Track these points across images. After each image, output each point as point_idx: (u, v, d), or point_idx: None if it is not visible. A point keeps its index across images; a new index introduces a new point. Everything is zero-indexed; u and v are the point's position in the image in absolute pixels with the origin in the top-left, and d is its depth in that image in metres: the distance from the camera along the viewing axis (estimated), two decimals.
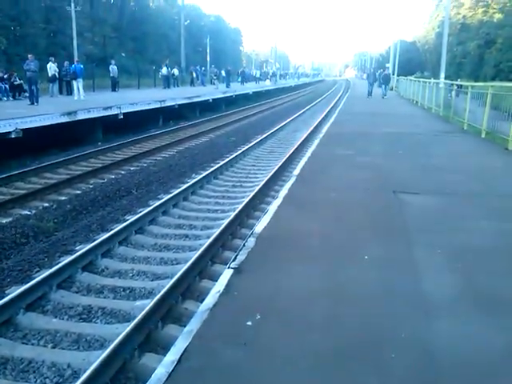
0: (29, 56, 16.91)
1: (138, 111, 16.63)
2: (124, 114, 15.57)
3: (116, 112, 15.23)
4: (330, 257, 4.01)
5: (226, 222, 6.14)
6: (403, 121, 15.31)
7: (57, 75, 20.16)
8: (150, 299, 4.32)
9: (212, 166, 10.20)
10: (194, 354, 2.62)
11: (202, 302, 3.36)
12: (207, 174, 9.22)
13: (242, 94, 30.88)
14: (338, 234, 4.56)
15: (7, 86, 18.94)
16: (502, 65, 50.16)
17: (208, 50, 62.46)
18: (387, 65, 45.86)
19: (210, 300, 3.24)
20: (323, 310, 3.11)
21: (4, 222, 6.75)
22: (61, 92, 21.35)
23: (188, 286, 4.63)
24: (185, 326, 3.06)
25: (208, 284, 4.64)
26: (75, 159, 11.21)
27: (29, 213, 7.21)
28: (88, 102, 16.42)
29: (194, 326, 2.91)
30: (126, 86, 30.83)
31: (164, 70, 29.99)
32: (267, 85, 44.16)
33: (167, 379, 2.41)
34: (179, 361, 2.54)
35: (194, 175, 9.68)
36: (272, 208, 5.41)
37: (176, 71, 32.55)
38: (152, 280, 5.01)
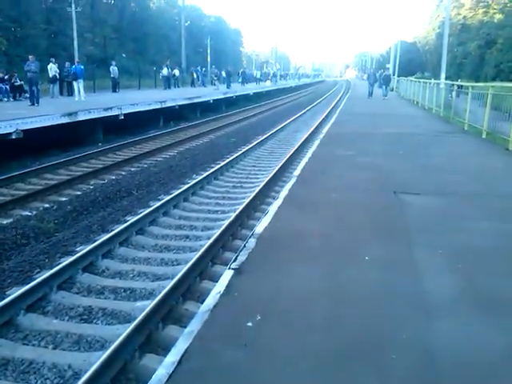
0: (29, 57, 16.94)
1: (138, 112, 16.65)
2: (125, 114, 15.59)
3: (117, 113, 15.25)
4: (330, 257, 4.01)
5: (226, 222, 6.14)
6: (404, 121, 15.31)
7: (57, 76, 20.18)
8: (150, 300, 4.32)
9: (212, 167, 10.21)
10: (194, 354, 2.62)
11: (202, 303, 3.36)
12: (208, 175, 9.22)
13: (243, 95, 30.89)
14: (339, 235, 4.56)
15: (8, 87, 18.95)
16: (502, 65, 50.14)
17: (208, 51, 62.50)
18: (388, 65, 45.92)
19: (210, 301, 3.24)
20: (324, 311, 3.11)
21: (5, 222, 6.75)
22: (61, 93, 21.37)
23: (188, 287, 4.63)
24: (185, 327, 3.06)
25: (208, 285, 4.64)
26: (76, 160, 11.22)
27: (29, 214, 7.22)
28: (89, 103, 16.45)
29: (194, 326, 2.91)
30: (127, 86, 30.85)
31: (165, 71, 30.00)
32: (268, 85, 44.16)
33: (168, 380, 2.41)
34: (180, 362, 2.54)
35: (194, 176, 9.68)
36: (272, 209, 5.41)
37: (177, 72, 32.58)
38: (153, 281, 5.01)
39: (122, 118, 15.48)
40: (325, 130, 12.82)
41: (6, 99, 18.55)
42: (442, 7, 57.05)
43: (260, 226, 4.75)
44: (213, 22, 79.40)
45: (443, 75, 23.53)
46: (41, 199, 8.01)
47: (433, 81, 22.64)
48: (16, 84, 19.57)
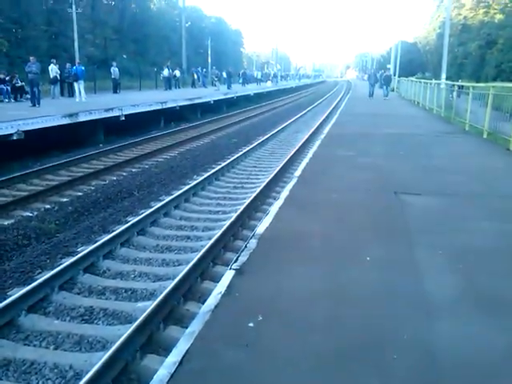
0: (30, 58, 16.97)
1: (139, 113, 16.66)
2: (125, 115, 15.60)
3: (117, 114, 15.26)
4: (331, 258, 4.01)
5: (227, 223, 6.14)
6: (404, 122, 15.30)
7: (58, 77, 20.21)
8: (151, 300, 4.33)
9: (213, 168, 10.22)
10: (195, 355, 2.62)
11: (203, 304, 3.36)
12: (208, 176, 9.23)
13: (244, 96, 30.91)
14: (340, 235, 4.56)
15: (9, 88, 18.96)
16: (503, 65, 50.08)
17: (209, 52, 62.50)
18: (388, 66, 45.95)
19: (211, 301, 3.25)
20: (325, 311, 3.11)
21: (6, 223, 6.76)
22: (62, 94, 21.40)
23: (190, 288, 4.64)
24: (186, 328, 3.07)
25: (210, 285, 4.64)
26: (77, 161, 11.23)
27: (31, 214, 7.23)
28: (89, 104, 16.46)
29: (195, 327, 2.92)
30: (128, 87, 30.85)
31: (165, 72, 30.01)
32: (268, 86, 44.16)
33: (169, 380, 2.41)
34: (181, 362, 2.55)
35: (195, 176, 9.69)
36: (273, 209, 5.41)
37: (178, 73, 32.59)
38: (154, 281, 5.02)
39: (123, 118, 15.50)
40: (326, 130, 12.81)
41: (7, 100, 18.56)
42: (442, 7, 57.06)
43: (261, 227, 4.75)
44: (213, 22, 79.43)
45: (444, 75, 23.52)
46: (42, 200, 8.02)
47: (433, 81, 22.63)
48: (17, 85, 19.59)
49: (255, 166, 11.04)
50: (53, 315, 4.32)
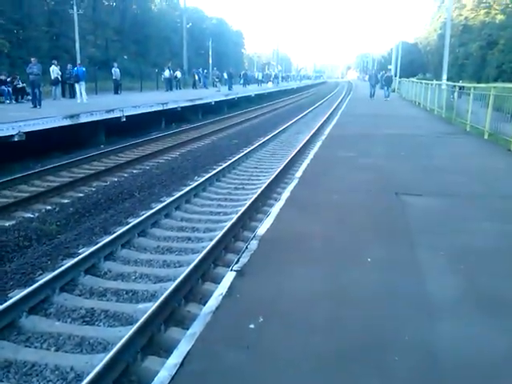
0: (32, 59, 17.00)
1: (140, 114, 16.67)
2: (127, 116, 15.62)
3: (119, 115, 15.27)
4: (332, 259, 4.01)
5: (228, 224, 6.14)
6: (405, 122, 15.30)
7: (59, 78, 20.24)
8: (152, 302, 4.32)
9: (214, 169, 10.22)
10: (196, 357, 2.62)
11: (204, 305, 3.36)
12: (210, 177, 9.24)
13: (245, 97, 30.92)
14: (341, 236, 4.56)
15: (10, 89, 18.99)
16: (504, 66, 50.03)
17: (210, 53, 62.49)
18: (389, 66, 45.94)
19: (212, 303, 3.25)
20: (326, 313, 3.10)
21: (7, 224, 6.77)
22: (63, 95, 21.44)
23: (191, 289, 4.64)
24: (187, 329, 3.06)
25: (211, 287, 4.64)
26: (78, 162, 11.24)
27: (32, 216, 7.23)
28: (91, 105, 16.49)
29: (196, 328, 2.92)
30: (129, 88, 30.88)
31: (166, 73, 30.06)
32: (269, 87, 44.19)
33: (170, 382, 2.41)
34: (182, 364, 2.55)
35: (196, 178, 9.69)
36: (274, 210, 5.41)
37: (179, 74, 32.63)
38: (155, 283, 5.02)
39: (124, 119, 15.51)
40: (326, 131, 12.81)
41: (8, 101, 18.59)
42: (443, 8, 57.07)
43: (262, 228, 4.75)
44: (214, 23, 79.50)
45: (445, 76, 23.50)
46: (43, 201, 8.03)
47: (434, 82, 22.60)
48: (18, 86, 19.62)
49: (256, 167, 11.05)
50: (54, 317, 4.32)
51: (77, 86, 19.39)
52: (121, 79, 26.58)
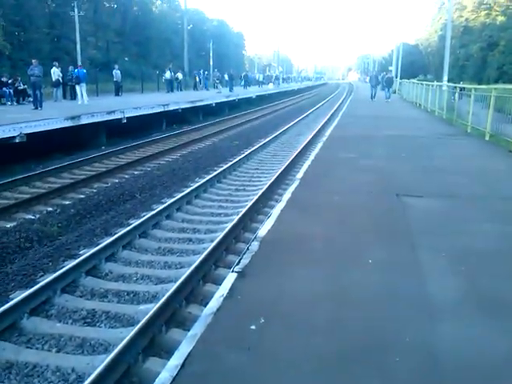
0: (33, 61, 17.02)
1: (141, 115, 16.69)
2: (127, 118, 15.64)
3: (119, 116, 15.29)
4: (333, 260, 4.01)
5: (229, 225, 6.14)
6: (406, 124, 15.30)
7: (60, 80, 20.28)
8: (153, 303, 4.33)
9: (215, 170, 10.22)
10: (197, 358, 2.62)
11: (205, 306, 3.36)
12: (210, 178, 9.24)
13: (245, 98, 30.94)
14: (342, 238, 4.56)
15: (11, 91, 19.06)
16: (505, 67, 50.11)
17: (211, 54, 62.54)
18: (390, 68, 45.93)
19: (213, 304, 3.25)
20: (327, 314, 3.10)
21: (8, 226, 6.78)
22: (64, 97, 21.48)
23: (192, 290, 4.64)
24: (188, 330, 3.07)
25: (212, 288, 4.64)
26: (79, 163, 11.26)
27: (33, 217, 7.24)
28: (91, 107, 16.51)
29: (197, 330, 2.92)
30: (130, 90, 30.95)
31: (167, 75, 30.09)
32: (270, 88, 44.23)
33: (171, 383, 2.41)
34: (183, 365, 2.55)
35: (197, 179, 9.70)
36: (275, 212, 5.41)
37: (180, 75, 32.68)
38: (156, 284, 5.02)
39: (125, 121, 15.53)
40: (327, 132, 12.82)
41: (9, 103, 18.65)
42: (444, 9, 57.13)
43: (263, 229, 4.75)
44: (215, 25, 79.61)
45: (445, 77, 23.52)
46: (44, 203, 8.04)
47: (435, 83, 22.63)
48: (19, 88, 19.69)
49: (257, 169, 11.05)
50: (55, 318, 4.32)
51: (78, 87, 19.43)
52: (122, 81, 26.62)
